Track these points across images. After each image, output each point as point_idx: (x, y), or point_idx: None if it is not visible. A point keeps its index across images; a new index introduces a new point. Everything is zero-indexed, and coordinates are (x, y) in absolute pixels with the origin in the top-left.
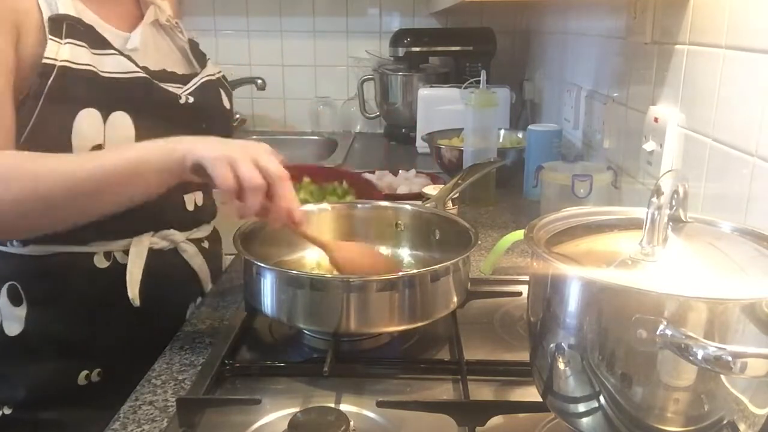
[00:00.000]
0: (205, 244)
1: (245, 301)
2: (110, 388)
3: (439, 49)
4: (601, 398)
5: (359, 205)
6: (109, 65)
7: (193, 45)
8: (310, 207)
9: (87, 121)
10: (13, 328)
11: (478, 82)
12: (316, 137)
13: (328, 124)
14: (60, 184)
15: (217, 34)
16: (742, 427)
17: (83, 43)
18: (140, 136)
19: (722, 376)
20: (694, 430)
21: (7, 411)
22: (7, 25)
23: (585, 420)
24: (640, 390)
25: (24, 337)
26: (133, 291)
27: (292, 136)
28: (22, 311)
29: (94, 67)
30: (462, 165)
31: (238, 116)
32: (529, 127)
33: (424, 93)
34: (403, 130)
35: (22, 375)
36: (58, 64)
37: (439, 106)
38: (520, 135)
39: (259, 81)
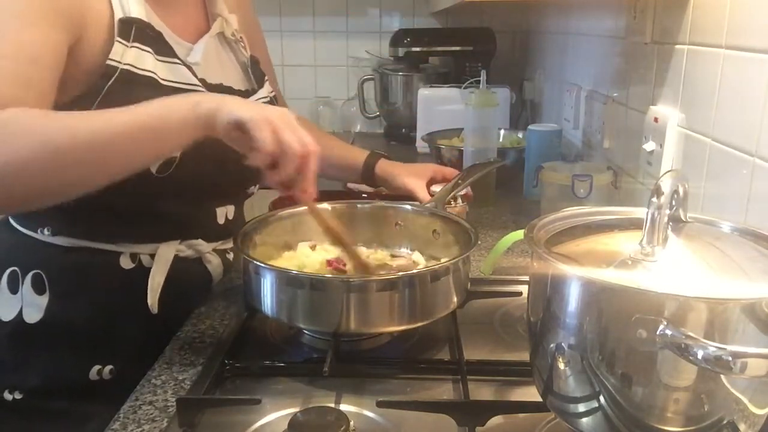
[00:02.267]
0: (230, 256)
1: (245, 301)
2: (120, 387)
3: (439, 49)
4: (601, 398)
5: (359, 205)
6: (170, 74)
7: (254, 62)
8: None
9: None
10: (33, 316)
11: (478, 82)
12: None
13: (328, 124)
14: (71, 139)
15: None
16: (742, 427)
17: (149, 49)
18: (188, 149)
19: (722, 376)
20: (694, 430)
21: (18, 396)
22: (68, 21)
23: (585, 420)
24: (640, 390)
25: (42, 326)
26: (153, 297)
27: None
28: (43, 300)
29: (155, 74)
30: (462, 165)
31: None
32: (530, 127)
33: (424, 93)
34: (403, 130)
35: (35, 362)
36: (122, 66)
37: (439, 106)
38: (520, 135)
39: None
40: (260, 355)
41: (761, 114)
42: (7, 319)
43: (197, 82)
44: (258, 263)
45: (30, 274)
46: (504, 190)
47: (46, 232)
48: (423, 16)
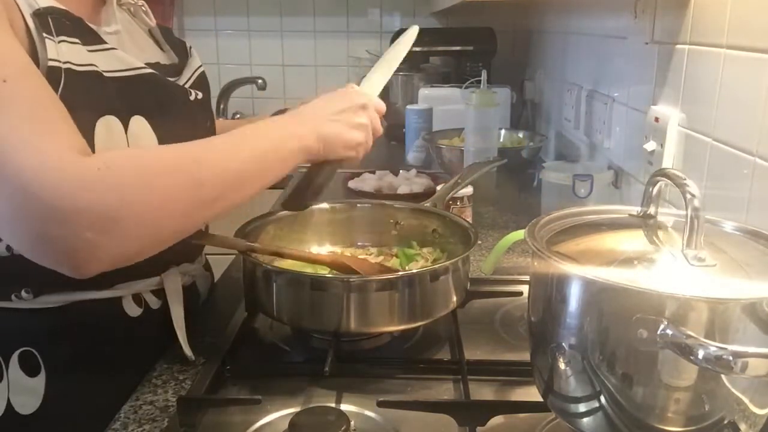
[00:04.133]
0: (209, 275)
1: (245, 300)
2: None
3: (440, 48)
4: (602, 398)
5: (359, 205)
6: (110, 63)
7: (165, 31)
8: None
9: (107, 131)
10: (27, 405)
11: (479, 81)
12: None
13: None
14: (219, 175)
15: (218, 34)
16: (743, 427)
17: (76, 40)
18: (162, 142)
19: (723, 376)
20: (695, 430)
21: None
22: (6, 23)
23: (585, 420)
24: (640, 390)
25: (40, 415)
26: (186, 344)
27: None
28: (39, 383)
29: (96, 66)
30: (462, 165)
31: (238, 116)
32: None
33: (425, 93)
34: (404, 129)
35: None
36: (64, 67)
37: (439, 106)
38: (520, 135)
39: (260, 81)
40: (261, 355)
41: (762, 114)
42: None
43: (138, 64)
44: (259, 263)
45: (16, 354)
46: (504, 190)
47: (24, 295)
48: (423, 16)
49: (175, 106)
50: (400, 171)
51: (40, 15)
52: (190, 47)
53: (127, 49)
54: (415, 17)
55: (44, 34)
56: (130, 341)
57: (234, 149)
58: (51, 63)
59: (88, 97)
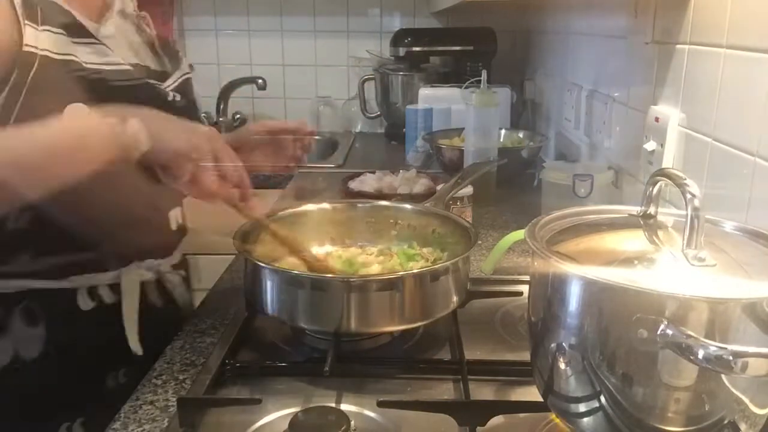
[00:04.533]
0: (183, 273)
1: (246, 301)
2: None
3: (440, 48)
4: (602, 398)
5: (359, 205)
6: (92, 56)
7: (164, 42)
8: (310, 206)
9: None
10: (29, 352)
11: (479, 81)
12: (316, 137)
13: (328, 123)
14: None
15: (218, 34)
16: (743, 427)
17: (61, 31)
18: None
19: (723, 376)
20: (695, 430)
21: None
22: None
23: (586, 420)
24: (641, 390)
25: (42, 360)
26: (134, 337)
27: (293, 136)
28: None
29: (75, 57)
30: (463, 165)
31: (238, 116)
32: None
33: (425, 92)
34: (404, 129)
35: (48, 396)
36: (40, 53)
37: (439, 106)
38: (521, 135)
39: (260, 81)
40: (261, 355)
41: (762, 114)
42: None
43: (121, 61)
44: (259, 263)
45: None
46: (504, 190)
47: None
48: (424, 16)
49: (151, 103)
50: (400, 171)
51: (30, 4)
52: (182, 55)
53: (119, 51)
54: (415, 17)
55: (27, 22)
56: (79, 333)
57: (27, 138)
58: (27, 48)
59: (60, 84)
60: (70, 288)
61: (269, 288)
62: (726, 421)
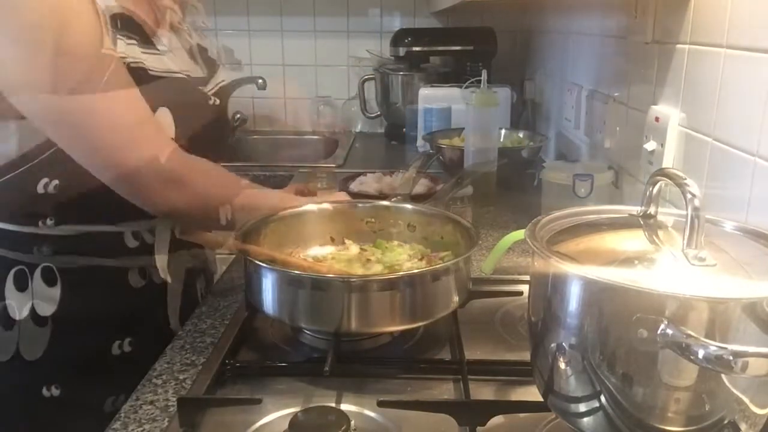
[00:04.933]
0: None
1: (246, 300)
2: (141, 358)
3: (440, 48)
4: (602, 398)
5: (360, 205)
6: (156, 64)
7: (202, 49)
8: (310, 206)
9: None
10: (45, 309)
11: (479, 81)
12: (316, 137)
13: (328, 123)
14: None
15: (218, 34)
16: (743, 427)
17: (134, 41)
18: (178, 132)
19: (723, 376)
20: (695, 429)
21: (55, 392)
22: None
23: (586, 420)
24: (641, 390)
25: (56, 317)
26: (162, 263)
27: (293, 136)
28: (56, 292)
29: (144, 64)
30: (463, 165)
31: (239, 116)
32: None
33: (425, 92)
34: (404, 129)
35: (57, 354)
36: (116, 56)
37: (439, 106)
38: (521, 135)
39: (260, 81)
40: (261, 355)
41: (762, 113)
42: (20, 318)
43: (178, 70)
44: (259, 263)
45: (39, 268)
46: (504, 190)
47: (48, 222)
48: (424, 16)
49: (196, 105)
50: (400, 171)
51: (111, 11)
52: (219, 64)
53: (172, 61)
54: (415, 17)
55: (111, 28)
56: (126, 264)
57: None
58: (105, 51)
59: (130, 86)
60: (117, 231)
61: (269, 288)
62: (726, 421)
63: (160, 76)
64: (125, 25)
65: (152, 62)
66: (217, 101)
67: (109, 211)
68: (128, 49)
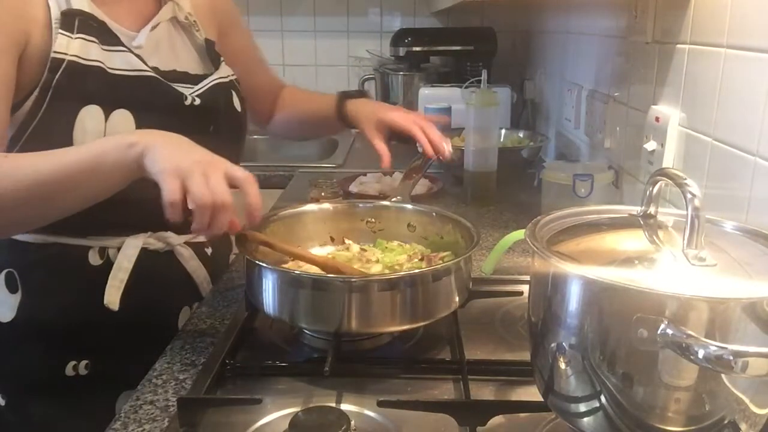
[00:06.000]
0: (209, 250)
1: (246, 300)
2: (98, 384)
3: (440, 48)
4: (602, 398)
5: (359, 205)
6: (118, 62)
7: (209, 45)
8: (310, 206)
9: (89, 118)
10: (5, 315)
11: (479, 81)
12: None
13: None
14: (24, 182)
15: None
16: (743, 426)
17: (94, 39)
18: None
19: (723, 376)
20: (696, 429)
21: (1, 401)
22: (9, 40)
23: (586, 420)
24: (641, 389)
25: (14, 325)
26: (113, 295)
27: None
28: (16, 298)
29: (102, 63)
30: (463, 165)
31: None
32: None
33: (425, 92)
34: None
35: (11, 361)
36: (68, 58)
37: (439, 106)
38: (521, 135)
39: None
40: (261, 355)
41: (762, 114)
42: None
43: (147, 68)
44: (260, 263)
45: (2, 273)
46: (505, 189)
47: None
48: (424, 16)
49: (164, 106)
50: (398, 171)
51: (67, 14)
52: (223, 61)
53: (159, 56)
54: (415, 17)
55: (61, 31)
56: (87, 283)
57: (42, 160)
58: (54, 55)
59: (82, 86)
60: (84, 245)
61: (269, 288)
62: (726, 421)
63: (121, 75)
64: (84, 25)
65: (113, 61)
66: (197, 101)
67: (80, 221)
68: (86, 49)
